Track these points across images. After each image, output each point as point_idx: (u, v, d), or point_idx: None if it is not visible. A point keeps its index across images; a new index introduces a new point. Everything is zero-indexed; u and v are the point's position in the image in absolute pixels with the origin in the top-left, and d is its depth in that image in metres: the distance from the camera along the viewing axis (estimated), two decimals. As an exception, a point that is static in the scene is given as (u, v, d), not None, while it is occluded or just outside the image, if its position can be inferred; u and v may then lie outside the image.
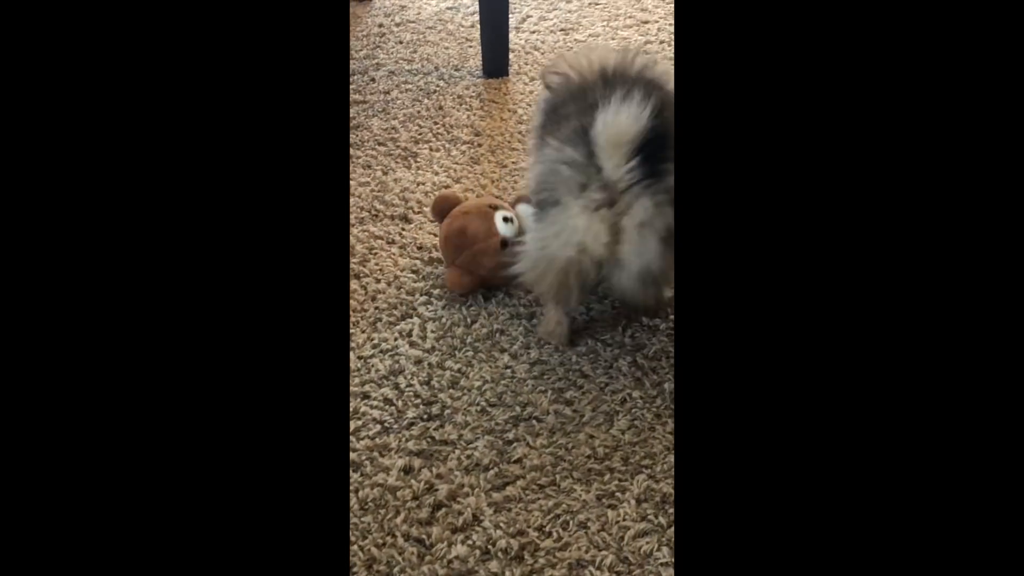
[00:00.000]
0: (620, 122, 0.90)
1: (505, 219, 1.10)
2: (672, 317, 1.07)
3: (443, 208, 1.14)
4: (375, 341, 1.04)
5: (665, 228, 0.93)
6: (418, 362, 1.01)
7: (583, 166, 0.93)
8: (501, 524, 0.82)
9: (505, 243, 1.08)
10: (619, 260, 0.95)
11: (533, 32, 1.78)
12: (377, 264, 1.16)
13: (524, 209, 1.10)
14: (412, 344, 1.04)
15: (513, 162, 1.38)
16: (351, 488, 0.85)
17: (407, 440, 0.91)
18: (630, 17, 1.83)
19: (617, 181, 0.92)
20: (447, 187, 1.31)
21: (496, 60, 1.61)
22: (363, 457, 0.89)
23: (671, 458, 0.88)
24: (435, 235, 1.21)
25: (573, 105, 0.98)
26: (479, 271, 1.09)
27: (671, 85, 0.99)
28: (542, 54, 1.69)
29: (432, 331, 1.05)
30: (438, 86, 1.59)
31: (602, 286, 1.07)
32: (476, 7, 1.60)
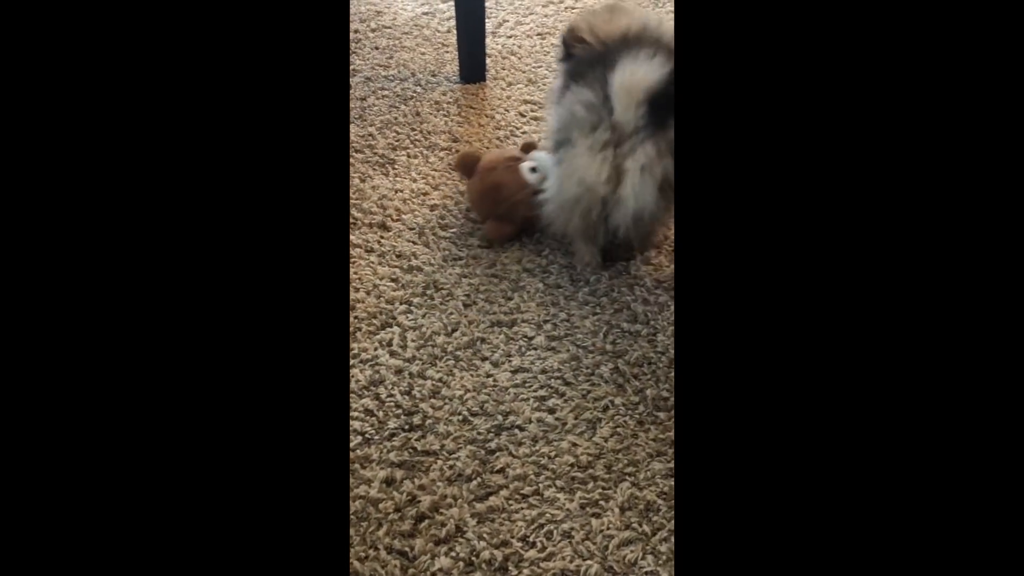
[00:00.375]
0: (637, 72, 0.99)
1: (532, 169, 1.20)
2: (652, 309, 1.07)
3: (467, 164, 1.24)
4: (355, 351, 1.03)
5: (663, 175, 1.02)
6: (399, 372, 1.00)
7: (597, 107, 1.02)
8: (484, 535, 0.81)
9: (535, 192, 1.16)
10: (619, 199, 1.03)
11: (510, 37, 1.77)
12: (356, 273, 1.15)
13: (541, 156, 1.20)
14: (392, 354, 1.03)
15: (491, 168, 1.37)
16: (332, 501, 0.84)
17: (388, 451, 0.90)
18: (606, 21, 1.82)
19: (625, 124, 1.01)
20: (425, 194, 1.31)
21: (473, 65, 1.60)
22: (344, 469, 0.88)
23: (655, 465, 0.88)
24: (413, 242, 1.20)
25: (596, 65, 1.05)
26: (516, 220, 1.20)
27: None
28: (519, 59, 1.69)
29: (412, 340, 1.05)
30: (415, 92, 1.58)
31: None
32: (452, 12, 1.59)
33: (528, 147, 1.28)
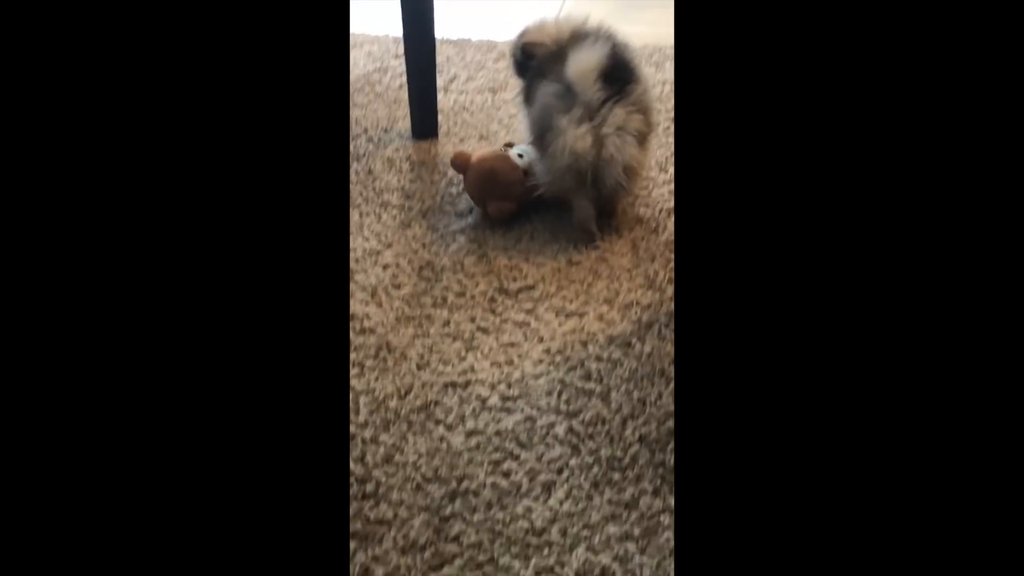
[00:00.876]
0: (584, 57, 1.25)
1: (519, 155, 1.39)
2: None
3: (462, 163, 1.39)
4: (306, 417, 1.01)
5: (636, 129, 1.26)
6: (352, 438, 0.99)
7: (564, 94, 1.26)
8: (439, 608, 0.80)
9: (525, 172, 1.36)
10: (604, 160, 1.24)
11: (461, 92, 1.79)
12: (308, 335, 1.14)
13: (524, 147, 1.41)
14: (345, 419, 1.01)
15: (445, 225, 1.37)
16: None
17: (341, 522, 0.88)
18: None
19: (590, 100, 1.24)
20: (378, 252, 1.30)
21: (425, 122, 1.61)
22: (295, 542, 0.86)
23: (610, 528, 0.87)
24: (365, 303, 1.20)
25: (556, 62, 1.29)
26: (513, 197, 1.36)
27: (619, 36, 1.33)
28: (471, 114, 1.70)
29: (365, 404, 1.04)
30: (367, 149, 1.59)
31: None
32: (404, 68, 1.60)
33: (509, 144, 1.45)
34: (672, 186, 1.47)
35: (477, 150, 1.44)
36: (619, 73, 1.25)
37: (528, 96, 1.37)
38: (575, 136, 1.25)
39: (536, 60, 1.37)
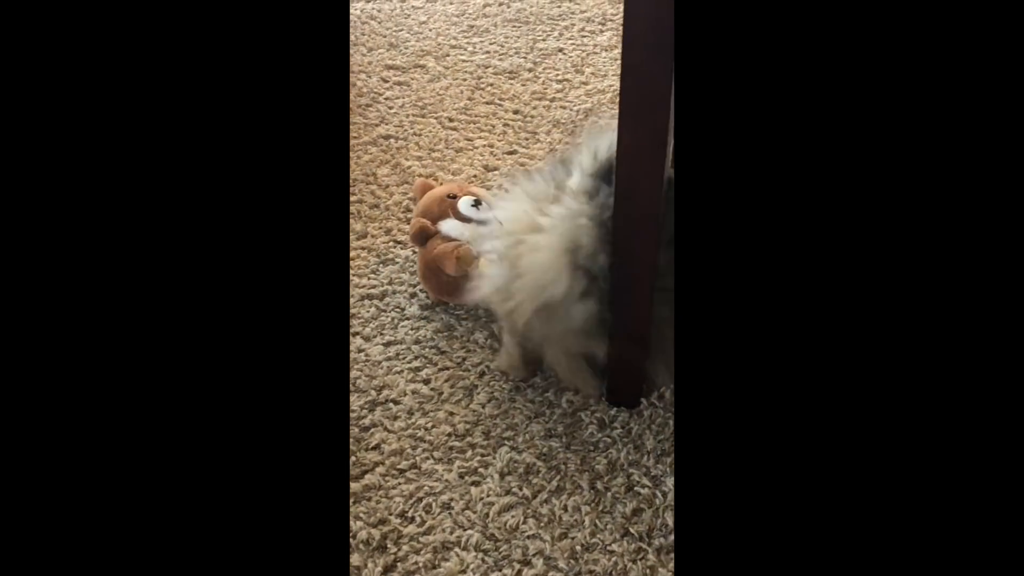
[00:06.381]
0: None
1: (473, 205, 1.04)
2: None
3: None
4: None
5: None
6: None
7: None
8: (361, 515, 0.78)
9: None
10: None
11: (369, 1, 1.71)
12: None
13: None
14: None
15: (354, 136, 1.32)
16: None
17: (257, 438, 0.86)
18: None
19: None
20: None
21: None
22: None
23: (533, 427, 0.87)
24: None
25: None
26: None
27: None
28: (379, 23, 1.63)
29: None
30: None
31: None
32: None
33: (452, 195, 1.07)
34: (587, 88, 1.44)
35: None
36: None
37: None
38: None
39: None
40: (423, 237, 1.02)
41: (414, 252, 1.10)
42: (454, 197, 1.04)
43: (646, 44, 0.66)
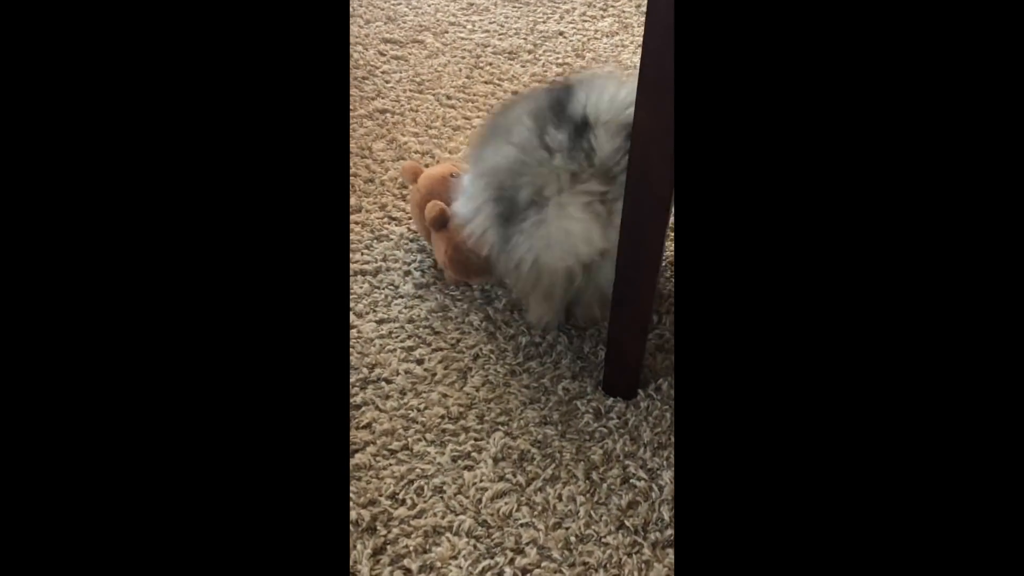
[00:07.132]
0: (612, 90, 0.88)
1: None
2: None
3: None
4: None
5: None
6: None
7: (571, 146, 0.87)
8: (351, 495, 0.76)
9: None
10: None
11: (367, -28, 1.68)
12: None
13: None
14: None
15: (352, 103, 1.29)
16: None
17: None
18: None
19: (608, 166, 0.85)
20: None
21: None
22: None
23: (528, 413, 0.85)
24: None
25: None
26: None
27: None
28: (378, -5, 1.60)
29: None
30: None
31: None
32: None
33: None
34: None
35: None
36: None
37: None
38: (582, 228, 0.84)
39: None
40: (443, 221, 0.98)
41: (409, 229, 1.08)
42: (456, 177, 1.01)
43: (668, 27, 0.64)
